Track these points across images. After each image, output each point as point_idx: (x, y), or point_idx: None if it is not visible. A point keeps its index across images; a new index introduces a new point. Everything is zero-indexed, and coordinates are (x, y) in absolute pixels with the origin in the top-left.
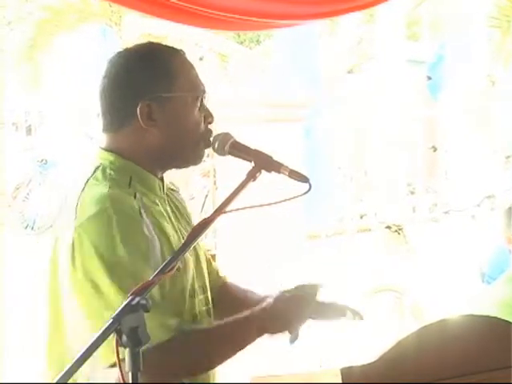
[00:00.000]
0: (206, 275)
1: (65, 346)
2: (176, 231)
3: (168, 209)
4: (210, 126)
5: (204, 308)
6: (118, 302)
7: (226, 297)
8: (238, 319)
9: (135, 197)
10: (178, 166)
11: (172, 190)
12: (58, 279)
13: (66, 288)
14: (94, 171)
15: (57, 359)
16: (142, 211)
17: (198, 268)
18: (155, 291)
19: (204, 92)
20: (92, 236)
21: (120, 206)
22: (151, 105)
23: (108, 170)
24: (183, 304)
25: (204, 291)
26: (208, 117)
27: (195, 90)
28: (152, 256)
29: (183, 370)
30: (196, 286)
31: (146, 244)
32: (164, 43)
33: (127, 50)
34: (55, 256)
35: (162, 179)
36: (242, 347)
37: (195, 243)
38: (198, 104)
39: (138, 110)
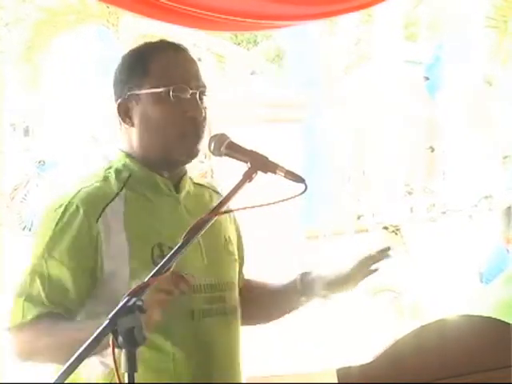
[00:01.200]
0: (228, 274)
1: None
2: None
3: (186, 208)
4: (196, 120)
5: (212, 306)
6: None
7: (250, 293)
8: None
9: (120, 191)
10: (169, 162)
11: (203, 186)
12: None
13: None
14: (99, 169)
15: None
16: (115, 207)
17: (210, 265)
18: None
19: (183, 87)
20: (45, 221)
21: (80, 204)
22: (128, 103)
23: (111, 169)
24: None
25: (217, 290)
26: (190, 111)
27: (168, 85)
28: (85, 255)
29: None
30: (201, 283)
31: (83, 242)
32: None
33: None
34: None
35: (174, 178)
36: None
37: (192, 243)
38: (176, 99)
39: (116, 108)
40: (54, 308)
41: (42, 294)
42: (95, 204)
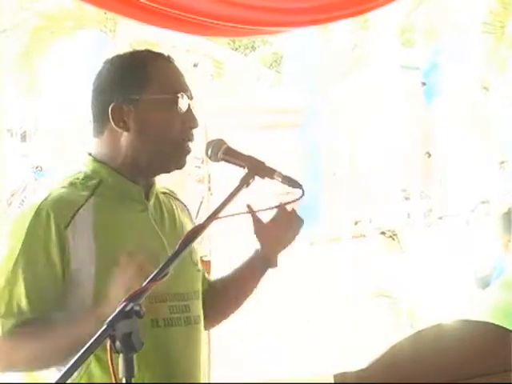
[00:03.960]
0: (193, 284)
1: None
2: (159, 238)
3: (154, 216)
4: (192, 130)
5: (176, 315)
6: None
7: (215, 288)
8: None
9: (90, 198)
10: (158, 171)
11: (166, 194)
12: None
13: None
14: (68, 175)
15: None
16: (84, 213)
17: (180, 274)
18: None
19: (185, 96)
20: (12, 231)
21: (49, 208)
22: (123, 107)
23: (78, 175)
24: None
25: (183, 299)
26: (188, 121)
27: (172, 93)
28: (51, 259)
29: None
30: (170, 291)
31: (47, 252)
32: (157, 50)
33: (108, 59)
34: None
35: (146, 185)
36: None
37: (188, 249)
38: (176, 108)
39: (110, 111)
40: (30, 315)
41: (19, 303)
42: (64, 210)
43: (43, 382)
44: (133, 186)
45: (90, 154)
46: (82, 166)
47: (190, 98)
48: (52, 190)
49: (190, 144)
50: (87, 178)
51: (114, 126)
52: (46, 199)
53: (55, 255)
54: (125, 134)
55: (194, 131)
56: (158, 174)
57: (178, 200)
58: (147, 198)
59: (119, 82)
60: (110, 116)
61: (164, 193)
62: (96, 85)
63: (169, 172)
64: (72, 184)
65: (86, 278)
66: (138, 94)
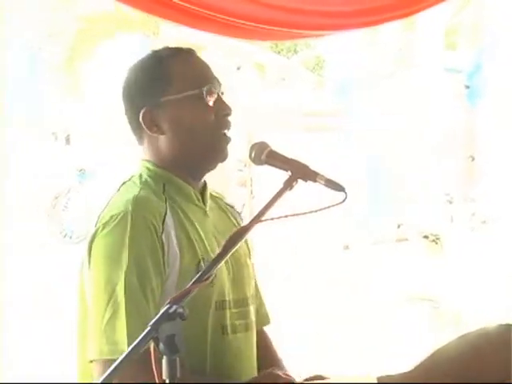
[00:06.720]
0: (249, 288)
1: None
2: (217, 242)
3: (208, 218)
4: (228, 117)
5: (238, 322)
6: (117, 300)
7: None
8: None
9: (166, 202)
10: (203, 168)
11: (217, 198)
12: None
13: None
14: (131, 177)
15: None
16: (168, 218)
17: (236, 280)
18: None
19: (212, 87)
20: (106, 236)
21: (141, 211)
22: (152, 111)
23: (144, 176)
24: (204, 316)
25: (242, 305)
26: (221, 110)
27: (196, 88)
28: (158, 263)
29: None
30: (229, 298)
31: (155, 251)
32: (200, 53)
33: (131, 65)
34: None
35: (200, 189)
36: None
37: (232, 251)
38: (204, 101)
39: (141, 117)
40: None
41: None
42: (156, 214)
43: (51, 382)
44: (191, 189)
45: (144, 160)
46: (140, 171)
47: (218, 87)
48: (132, 194)
49: (228, 132)
50: (153, 180)
51: (146, 130)
52: (127, 203)
53: (161, 262)
54: (161, 137)
55: (236, 135)
56: (204, 171)
57: (228, 204)
58: (203, 201)
59: (143, 86)
60: (142, 123)
61: (216, 196)
62: (125, 93)
63: (214, 167)
64: (146, 187)
65: (169, 286)
66: (163, 96)
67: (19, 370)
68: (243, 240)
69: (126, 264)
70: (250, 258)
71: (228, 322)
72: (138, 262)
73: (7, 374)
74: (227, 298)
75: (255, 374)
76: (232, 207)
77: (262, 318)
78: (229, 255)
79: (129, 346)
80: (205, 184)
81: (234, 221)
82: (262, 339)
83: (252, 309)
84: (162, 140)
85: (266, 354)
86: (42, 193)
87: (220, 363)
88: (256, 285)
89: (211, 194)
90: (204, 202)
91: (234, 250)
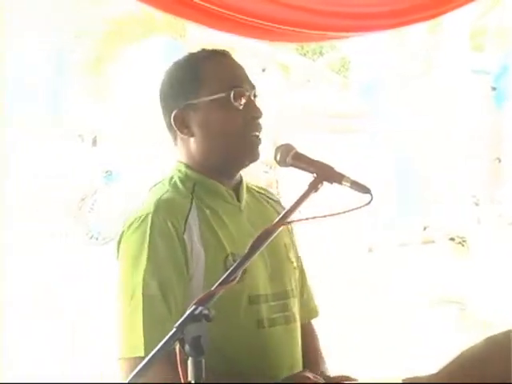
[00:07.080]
0: (290, 282)
1: None
2: (248, 236)
3: (243, 215)
4: (258, 120)
5: (276, 315)
6: (137, 301)
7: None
8: None
9: (192, 201)
10: (234, 169)
11: (261, 193)
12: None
13: None
14: (163, 179)
15: None
16: (192, 216)
17: (274, 274)
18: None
19: (242, 90)
20: (130, 237)
21: (162, 213)
22: (184, 113)
23: (175, 178)
24: (235, 312)
25: (282, 298)
26: (251, 113)
27: (225, 90)
28: (177, 264)
29: None
30: (265, 292)
31: (175, 251)
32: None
33: (167, 68)
34: None
35: (233, 186)
36: None
37: (258, 253)
38: (233, 104)
39: (172, 119)
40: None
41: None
42: (177, 215)
43: (55, 382)
44: (223, 188)
45: (178, 161)
46: (172, 173)
47: (250, 89)
48: (157, 196)
49: (259, 134)
50: (182, 182)
51: (178, 132)
52: (150, 205)
53: (181, 262)
54: (191, 139)
55: (261, 137)
56: (236, 171)
57: (272, 199)
58: (238, 199)
59: (176, 88)
60: (173, 124)
61: (258, 192)
62: (161, 95)
63: (246, 166)
64: (174, 188)
65: (195, 282)
66: (194, 98)
67: (19, 369)
68: (269, 241)
69: (145, 265)
70: (292, 252)
71: (265, 315)
72: (157, 262)
73: (7, 373)
74: (263, 292)
75: (299, 367)
76: (277, 201)
77: (310, 311)
78: (256, 255)
79: (145, 345)
80: (240, 180)
81: (277, 215)
82: (307, 333)
83: (294, 301)
84: (193, 142)
85: (308, 350)
86: (69, 194)
87: (258, 357)
88: (304, 277)
89: (253, 189)
90: (239, 199)
91: (259, 251)
